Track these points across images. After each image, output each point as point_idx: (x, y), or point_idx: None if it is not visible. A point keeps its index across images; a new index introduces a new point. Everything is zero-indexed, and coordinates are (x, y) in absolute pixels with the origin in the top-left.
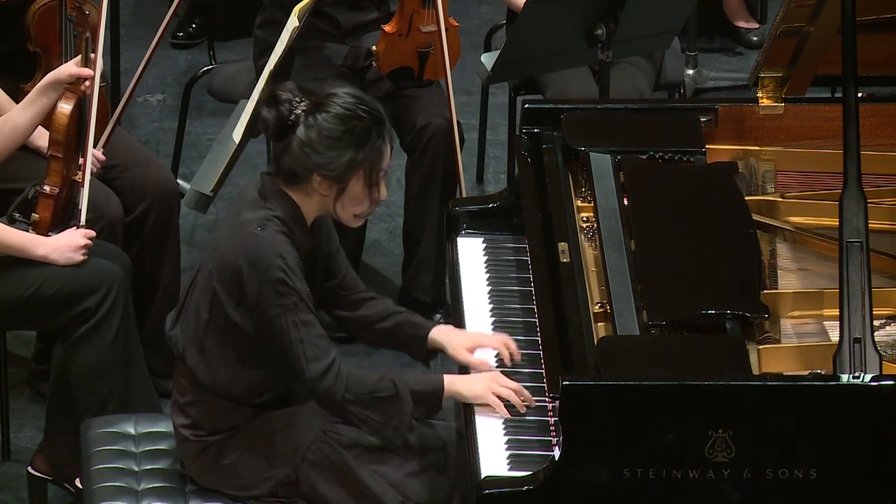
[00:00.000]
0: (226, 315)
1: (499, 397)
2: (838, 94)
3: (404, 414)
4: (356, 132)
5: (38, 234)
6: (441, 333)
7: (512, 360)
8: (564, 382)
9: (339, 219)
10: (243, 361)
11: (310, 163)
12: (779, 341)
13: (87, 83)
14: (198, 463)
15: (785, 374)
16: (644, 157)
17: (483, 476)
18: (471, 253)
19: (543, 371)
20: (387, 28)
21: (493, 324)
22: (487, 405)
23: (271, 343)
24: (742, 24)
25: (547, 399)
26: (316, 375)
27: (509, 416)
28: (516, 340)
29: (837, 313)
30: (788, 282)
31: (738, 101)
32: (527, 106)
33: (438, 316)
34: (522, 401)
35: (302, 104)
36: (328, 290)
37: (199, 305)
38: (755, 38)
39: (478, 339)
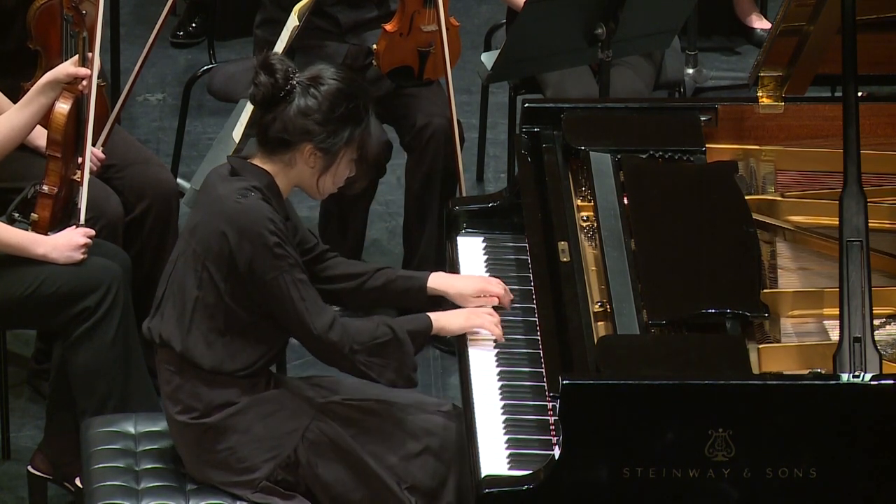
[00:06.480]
0: (216, 290)
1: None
2: (838, 94)
3: (406, 354)
4: (354, 109)
5: (37, 233)
6: (440, 281)
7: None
8: (564, 382)
9: (314, 192)
10: (235, 334)
11: (306, 132)
12: (779, 341)
13: (85, 82)
14: (196, 452)
15: (785, 373)
16: (644, 156)
17: (483, 475)
18: (471, 252)
19: (543, 370)
20: (388, 27)
21: None
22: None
23: (269, 308)
24: (754, 24)
25: (547, 398)
26: (323, 331)
27: (500, 335)
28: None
29: (837, 312)
30: (788, 281)
31: (738, 101)
32: (527, 105)
33: None
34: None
35: (298, 75)
36: (307, 264)
37: (184, 289)
38: None
39: (479, 283)
